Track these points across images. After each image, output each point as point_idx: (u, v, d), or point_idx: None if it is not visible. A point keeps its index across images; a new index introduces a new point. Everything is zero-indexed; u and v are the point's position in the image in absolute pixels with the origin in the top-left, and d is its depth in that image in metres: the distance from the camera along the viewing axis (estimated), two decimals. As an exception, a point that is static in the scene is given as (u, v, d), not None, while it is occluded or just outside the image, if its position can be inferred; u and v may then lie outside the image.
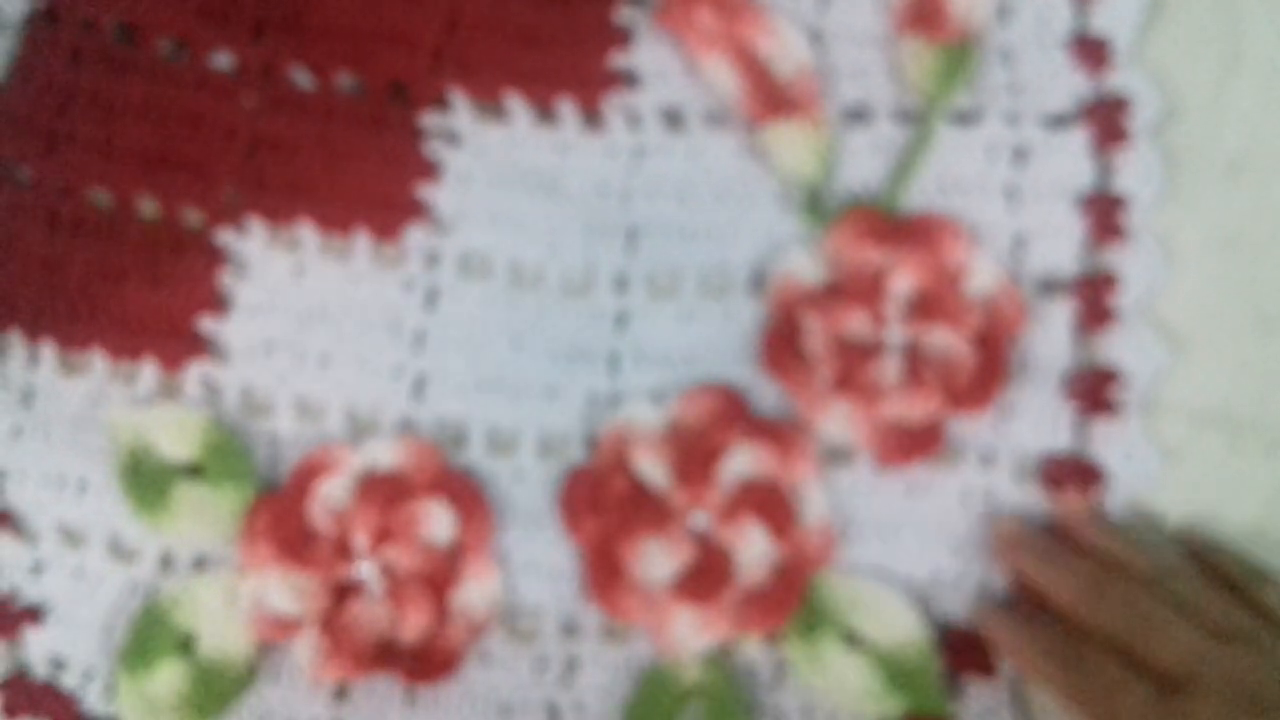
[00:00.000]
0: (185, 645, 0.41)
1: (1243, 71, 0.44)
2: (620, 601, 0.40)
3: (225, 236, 0.44)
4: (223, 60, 0.45)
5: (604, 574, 0.41)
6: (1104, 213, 0.43)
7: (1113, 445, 0.41)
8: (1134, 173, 0.43)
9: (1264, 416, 0.42)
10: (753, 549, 0.40)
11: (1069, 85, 0.44)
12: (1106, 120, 0.43)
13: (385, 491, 0.41)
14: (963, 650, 0.40)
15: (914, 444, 0.41)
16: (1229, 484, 0.41)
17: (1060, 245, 0.43)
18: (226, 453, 0.42)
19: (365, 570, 0.41)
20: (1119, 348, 0.42)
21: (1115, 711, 0.36)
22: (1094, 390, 0.42)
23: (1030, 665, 0.39)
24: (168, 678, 0.40)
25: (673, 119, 0.45)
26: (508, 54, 0.45)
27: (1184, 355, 0.42)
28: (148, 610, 0.41)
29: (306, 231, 0.44)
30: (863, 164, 0.44)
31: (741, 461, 0.41)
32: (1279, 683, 0.36)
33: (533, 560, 0.41)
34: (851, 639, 0.40)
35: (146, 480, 0.42)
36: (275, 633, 0.41)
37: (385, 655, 0.40)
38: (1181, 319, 0.42)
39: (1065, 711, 0.38)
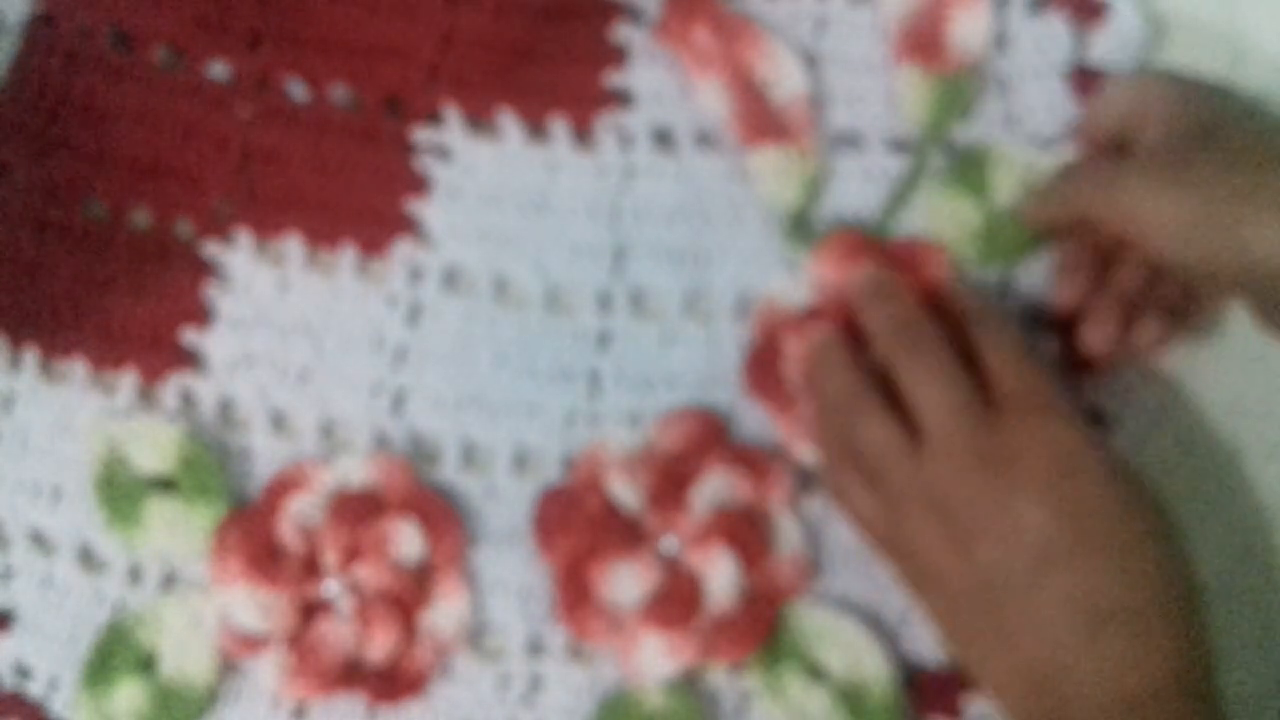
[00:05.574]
0: (147, 665, 0.41)
1: (1245, 73, 0.43)
2: (587, 623, 0.41)
3: (212, 248, 0.44)
4: (218, 70, 0.45)
5: (572, 594, 0.41)
6: None
7: None
8: None
9: (1269, 418, 0.42)
10: (723, 576, 0.40)
11: (1064, 118, 0.43)
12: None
13: (356, 509, 0.42)
14: (929, 693, 0.40)
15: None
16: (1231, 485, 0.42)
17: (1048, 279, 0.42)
18: (200, 467, 0.42)
19: (333, 589, 0.41)
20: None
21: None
22: None
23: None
24: (127, 697, 0.41)
25: (664, 140, 0.44)
26: (503, 70, 0.45)
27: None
28: (112, 628, 0.42)
29: (294, 244, 0.44)
30: (853, 191, 0.44)
31: (716, 488, 0.41)
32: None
33: (503, 578, 0.42)
34: (815, 671, 0.40)
35: (120, 492, 0.42)
36: (241, 649, 0.41)
37: (351, 675, 0.41)
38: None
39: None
